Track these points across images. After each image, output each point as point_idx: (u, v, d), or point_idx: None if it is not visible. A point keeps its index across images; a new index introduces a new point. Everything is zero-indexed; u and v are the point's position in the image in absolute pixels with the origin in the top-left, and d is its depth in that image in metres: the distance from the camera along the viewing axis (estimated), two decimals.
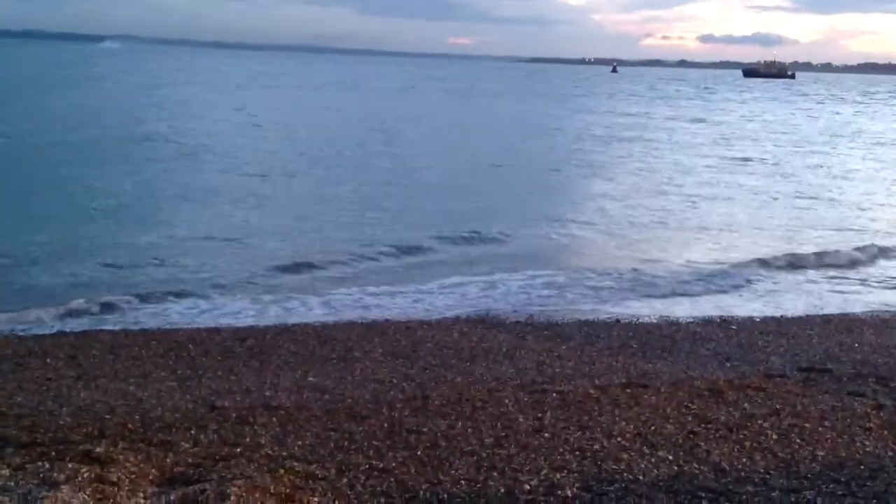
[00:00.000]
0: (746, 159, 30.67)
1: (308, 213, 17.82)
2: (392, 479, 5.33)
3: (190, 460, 5.44)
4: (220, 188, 20.44)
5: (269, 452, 5.68)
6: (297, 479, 5.24)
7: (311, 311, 10.69)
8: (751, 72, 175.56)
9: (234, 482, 4.97)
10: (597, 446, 5.98)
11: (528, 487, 5.28)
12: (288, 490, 5.02)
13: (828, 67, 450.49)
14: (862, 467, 5.75)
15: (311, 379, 7.67)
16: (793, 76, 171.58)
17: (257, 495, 4.85)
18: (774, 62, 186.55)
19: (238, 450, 5.68)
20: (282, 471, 5.32)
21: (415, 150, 30.43)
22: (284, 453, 5.68)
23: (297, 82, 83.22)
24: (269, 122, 37.90)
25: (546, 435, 6.19)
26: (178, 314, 10.42)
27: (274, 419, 6.36)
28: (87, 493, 4.68)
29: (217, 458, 5.51)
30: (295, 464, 5.48)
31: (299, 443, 5.90)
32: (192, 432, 6.01)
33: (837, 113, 65.17)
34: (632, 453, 5.88)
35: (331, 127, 37.95)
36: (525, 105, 61.66)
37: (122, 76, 74.28)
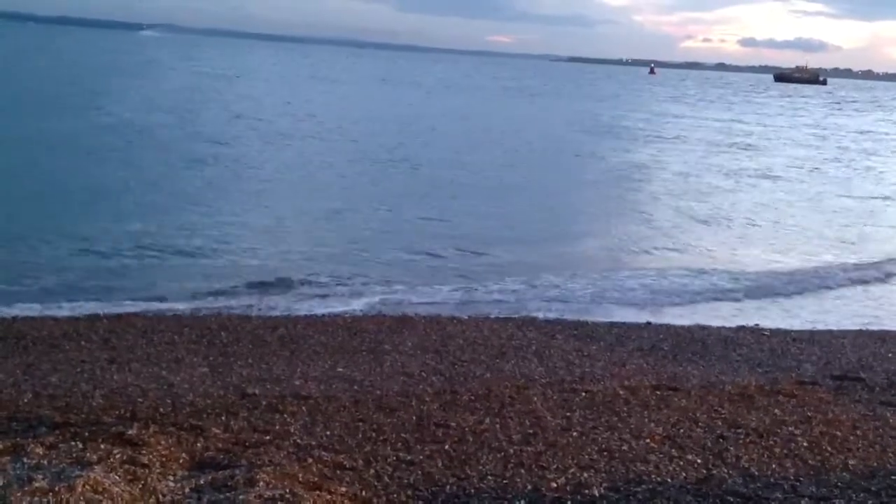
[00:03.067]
0: None
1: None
2: (419, 472, 5.35)
3: (220, 445, 5.49)
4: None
5: (298, 441, 5.72)
6: (325, 468, 5.27)
7: (347, 305, 10.71)
8: (782, 77, 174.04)
9: (263, 469, 5.01)
10: (625, 447, 5.96)
11: (555, 485, 5.27)
12: (316, 479, 5.05)
13: (868, 75, 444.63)
14: (893, 477, 5.68)
15: (340, 370, 7.71)
16: (824, 82, 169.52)
17: (286, 482, 4.87)
18: (807, 67, 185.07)
19: (267, 437, 5.73)
20: (310, 459, 5.36)
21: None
22: (313, 442, 5.72)
23: (359, 77, 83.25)
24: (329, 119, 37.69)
25: (574, 434, 6.17)
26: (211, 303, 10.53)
27: (303, 408, 6.40)
28: (119, 473, 4.73)
29: (246, 444, 5.55)
30: (323, 453, 5.51)
31: (328, 432, 5.93)
32: (223, 418, 6.07)
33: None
34: (660, 455, 5.85)
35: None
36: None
37: (183, 65, 75.08)
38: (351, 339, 8.86)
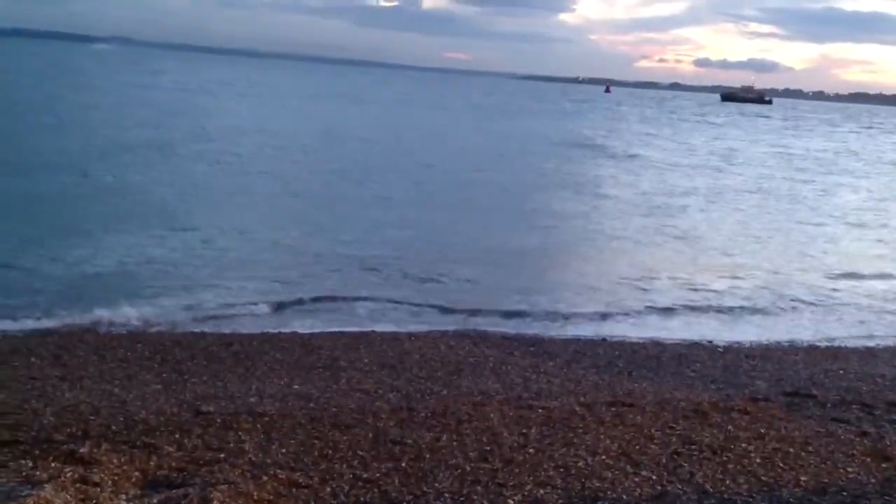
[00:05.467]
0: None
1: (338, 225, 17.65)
2: (375, 490, 5.33)
3: (173, 464, 5.42)
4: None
5: (253, 459, 5.67)
6: (281, 486, 5.23)
7: (304, 322, 10.63)
8: (729, 96, 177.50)
9: (217, 487, 4.96)
10: (581, 464, 5.99)
11: (512, 503, 5.28)
12: (271, 497, 5.02)
13: (820, 95, 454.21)
14: (844, 493, 5.77)
15: (296, 387, 7.65)
16: (770, 102, 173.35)
17: (240, 501, 4.84)
18: (753, 87, 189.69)
19: (221, 455, 5.67)
20: (265, 477, 5.31)
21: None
22: (268, 460, 5.67)
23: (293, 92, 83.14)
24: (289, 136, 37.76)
25: (530, 451, 6.19)
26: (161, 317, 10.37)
27: (258, 426, 6.35)
28: (70, 493, 4.66)
29: (200, 462, 5.49)
30: (278, 471, 5.47)
31: (283, 450, 5.89)
32: (176, 436, 6.00)
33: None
34: (616, 472, 5.89)
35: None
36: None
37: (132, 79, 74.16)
38: (307, 356, 8.80)
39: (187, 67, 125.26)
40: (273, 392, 7.43)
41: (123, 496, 4.76)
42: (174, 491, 4.90)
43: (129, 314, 10.25)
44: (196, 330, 9.83)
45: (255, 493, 5.00)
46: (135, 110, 40.78)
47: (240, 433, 6.17)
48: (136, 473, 5.14)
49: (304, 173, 25.21)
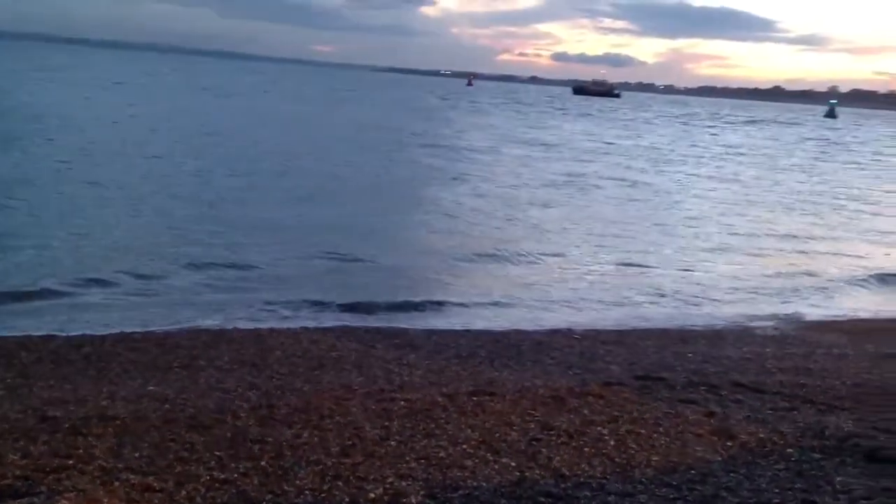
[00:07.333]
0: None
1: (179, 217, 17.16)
2: (234, 491, 5.22)
3: (18, 472, 5.17)
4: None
5: (104, 464, 5.45)
6: (134, 491, 5.06)
7: (161, 320, 10.28)
8: (580, 89, 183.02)
9: (65, 495, 4.76)
10: (442, 454, 6.04)
11: (373, 496, 5.27)
12: (123, 503, 4.84)
13: (671, 89, 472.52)
14: (693, 472, 6.02)
15: (151, 388, 7.40)
16: (618, 95, 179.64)
17: None
18: (603, 81, 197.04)
19: (70, 462, 5.43)
20: (116, 483, 5.12)
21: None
22: (120, 465, 5.47)
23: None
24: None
25: (392, 443, 6.20)
26: None
27: (110, 430, 6.11)
28: None
29: (47, 469, 5.25)
30: (131, 476, 5.28)
31: (136, 454, 5.68)
32: (21, 443, 5.71)
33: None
34: (476, 460, 5.96)
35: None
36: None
37: None
38: (164, 356, 8.53)
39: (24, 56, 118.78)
40: (126, 394, 7.16)
41: None
42: (18, 501, 4.68)
43: None
44: (45, 332, 9.35)
45: (105, 500, 4.81)
46: None
47: (90, 438, 5.92)
48: None
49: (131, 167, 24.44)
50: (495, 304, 12.41)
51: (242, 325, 10.19)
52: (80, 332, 9.39)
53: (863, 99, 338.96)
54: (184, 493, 5.12)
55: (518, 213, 21.38)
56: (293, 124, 45.61)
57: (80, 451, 5.65)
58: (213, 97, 66.29)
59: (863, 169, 47.07)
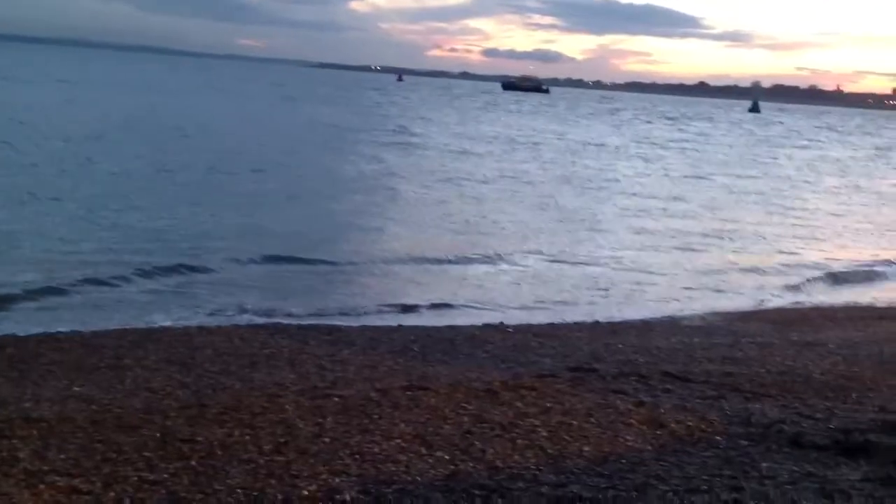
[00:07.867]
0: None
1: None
2: (163, 491, 5.11)
3: None
4: None
5: (28, 467, 5.29)
6: (60, 494, 4.93)
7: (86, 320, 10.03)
8: (509, 85, 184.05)
9: None
10: (376, 449, 6.01)
11: (307, 493, 5.22)
12: None
13: (599, 85, 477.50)
14: (623, 461, 6.08)
15: (76, 389, 7.22)
16: (547, 91, 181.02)
17: None
18: (532, 77, 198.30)
19: None
20: (42, 486, 4.99)
21: None
22: (45, 467, 5.31)
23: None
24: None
25: (326, 440, 6.14)
26: None
27: (34, 432, 5.93)
28: None
29: None
30: (56, 478, 5.14)
31: (62, 456, 5.53)
32: None
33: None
34: (410, 454, 5.94)
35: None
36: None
37: None
38: (89, 356, 8.32)
39: None
40: (51, 395, 6.97)
41: None
42: None
43: None
44: None
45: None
46: None
47: (13, 440, 5.74)
48: None
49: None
50: (432, 304, 12.37)
51: (171, 323, 10.01)
52: (1, 333, 9.13)
53: (785, 94, 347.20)
54: (112, 494, 5.01)
55: (454, 210, 21.44)
56: (244, 124, 44.47)
57: (4, 453, 5.48)
58: (159, 95, 64.66)
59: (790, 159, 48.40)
